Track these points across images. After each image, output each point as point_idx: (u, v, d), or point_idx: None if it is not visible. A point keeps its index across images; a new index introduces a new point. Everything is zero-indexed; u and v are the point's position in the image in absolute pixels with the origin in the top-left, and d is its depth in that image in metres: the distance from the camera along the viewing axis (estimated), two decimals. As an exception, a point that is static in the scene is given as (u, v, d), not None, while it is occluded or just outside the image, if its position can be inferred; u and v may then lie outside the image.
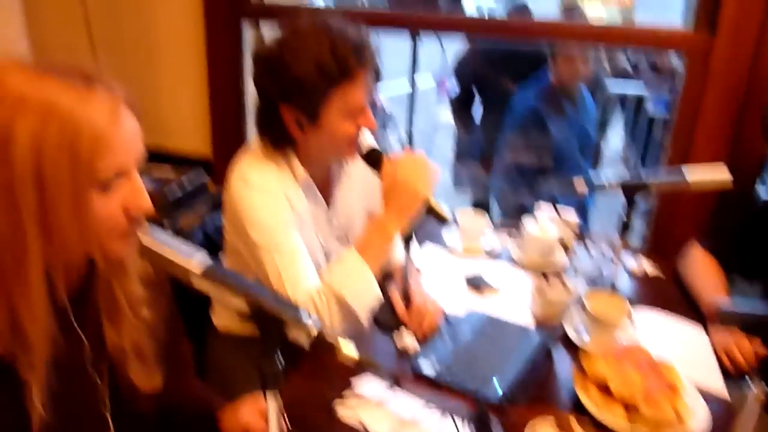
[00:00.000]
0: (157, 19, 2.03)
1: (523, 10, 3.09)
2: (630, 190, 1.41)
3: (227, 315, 1.45)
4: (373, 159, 1.28)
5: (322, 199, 1.37)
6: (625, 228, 1.44)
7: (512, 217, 2.76)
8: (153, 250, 0.72)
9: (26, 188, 0.70)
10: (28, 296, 0.74)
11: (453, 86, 3.58)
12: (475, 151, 3.32)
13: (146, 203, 0.78)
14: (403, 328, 1.34)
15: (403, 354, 1.29)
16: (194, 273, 0.71)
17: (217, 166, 2.10)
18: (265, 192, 1.24)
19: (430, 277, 1.57)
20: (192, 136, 2.13)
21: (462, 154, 3.53)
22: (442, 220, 1.26)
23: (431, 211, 1.25)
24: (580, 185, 1.46)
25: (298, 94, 1.20)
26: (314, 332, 0.72)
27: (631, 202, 1.41)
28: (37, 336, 0.75)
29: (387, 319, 1.38)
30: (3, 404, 0.78)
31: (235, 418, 1.03)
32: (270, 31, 2.04)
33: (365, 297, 1.19)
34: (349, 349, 0.74)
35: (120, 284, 0.89)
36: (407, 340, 1.30)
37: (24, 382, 0.77)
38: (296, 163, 1.30)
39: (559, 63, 2.56)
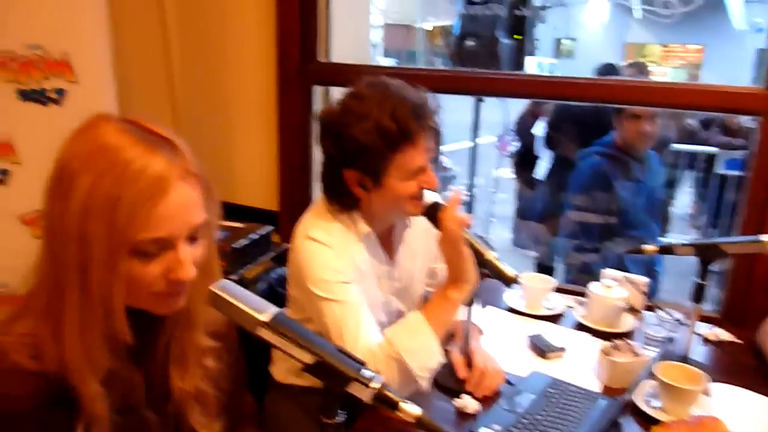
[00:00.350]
0: (233, 84, 2.17)
1: (611, 69, 3.09)
2: (702, 253, 1.35)
3: (287, 368, 1.46)
4: (434, 214, 1.29)
5: (384, 254, 1.39)
6: (698, 292, 1.38)
7: (577, 278, 2.69)
8: (223, 298, 0.74)
9: (72, 236, 0.77)
10: (71, 330, 0.79)
11: (513, 142, 3.60)
12: (537, 210, 3.28)
13: (185, 276, 0.81)
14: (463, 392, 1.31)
15: (462, 416, 1.25)
16: (262, 323, 0.73)
17: (282, 220, 2.17)
18: (328, 247, 1.27)
19: (492, 337, 1.53)
20: (261, 192, 2.22)
21: (524, 212, 3.50)
22: (508, 280, 1.24)
23: (497, 273, 1.24)
24: (649, 247, 1.41)
25: (360, 158, 1.23)
26: (376, 387, 0.72)
27: (704, 266, 1.36)
28: (83, 367, 0.80)
29: (447, 381, 1.35)
30: None
31: None
32: (338, 94, 2.14)
33: (426, 359, 1.18)
34: (410, 407, 0.73)
35: (186, 333, 0.93)
36: (467, 401, 1.27)
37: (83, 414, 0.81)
38: (359, 219, 1.33)
39: (624, 123, 2.53)
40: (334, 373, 0.72)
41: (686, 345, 1.43)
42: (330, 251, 1.26)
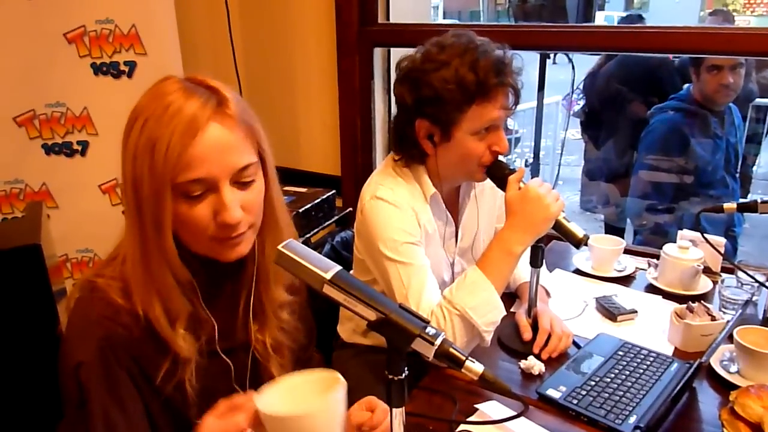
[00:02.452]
0: (295, 50, 2.18)
1: (638, 20, 2.92)
2: (789, 211, 1.27)
3: (353, 327, 1.50)
4: (498, 172, 1.26)
5: (450, 216, 1.38)
6: (783, 252, 1.30)
7: (649, 240, 2.58)
8: (289, 256, 0.76)
9: (127, 179, 0.83)
10: (138, 271, 0.85)
11: (579, 100, 3.46)
12: (607, 171, 3.16)
13: (229, 218, 0.83)
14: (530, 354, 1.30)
15: (528, 377, 1.24)
16: (326, 280, 0.74)
17: (345, 185, 2.19)
18: (394, 207, 1.27)
19: (560, 300, 1.50)
20: (323, 157, 2.24)
21: (592, 173, 3.37)
22: (577, 241, 1.21)
23: (565, 232, 1.21)
24: (729, 205, 1.34)
25: (433, 107, 1.22)
26: (440, 344, 0.72)
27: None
28: (158, 308, 0.85)
29: (513, 342, 1.34)
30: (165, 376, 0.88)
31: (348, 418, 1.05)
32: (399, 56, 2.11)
33: (488, 313, 1.18)
34: (474, 365, 0.73)
35: (264, 287, 0.97)
36: (533, 362, 1.26)
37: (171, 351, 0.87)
38: (426, 179, 1.32)
39: (703, 75, 2.37)
40: (398, 329, 0.73)
41: (767, 307, 1.36)
42: (397, 211, 1.26)
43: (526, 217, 1.20)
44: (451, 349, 0.73)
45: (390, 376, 0.76)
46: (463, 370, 0.73)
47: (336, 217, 2.05)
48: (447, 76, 1.19)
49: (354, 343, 1.49)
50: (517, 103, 1.26)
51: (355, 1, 2.00)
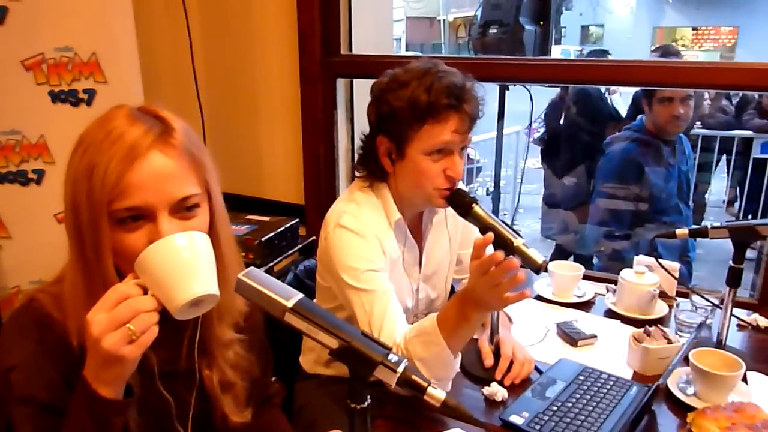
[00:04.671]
0: (257, 79, 2.18)
1: (602, 55, 3.05)
2: (737, 235, 1.32)
3: (315, 358, 1.48)
4: (458, 199, 1.28)
5: (413, 242, 1.39)
6: (733, 276, 1.35)
7: (608, 266, 2.64)
8: (250, 285, 0.75)
9: (67, 203, 0.82)
10: (74, 295, 0.83)
11: (539, 130, 3.56)
12: (566, 198, 3.24)
13: None
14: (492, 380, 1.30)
15: (491, 404, 1.25)
16: (288, 309, 0.73)
17: (308, 213, 2.18)
18: (357, 235, 1.27)
19: (521, 325, 1.52)
20: (287, 186, 2.23)
21: (552, 200, 3.46)
22: (537, 267, 1.21)
23: (525, 259, 1.22)
24: (681, 230, 1.38)
25: (390, 124, 1.26)
26: (402, 371, 0.72)
27: (739, 249, 1.32)
28: None
29: (475, 369, 1.35)
30: None
31: None
32: (361, 86, 2.14)
33: (437, 368, 1.14)
34: (436, 392, 0.73)
35: (209, 324, 0.95)
36: (496, 389, 1.26)
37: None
38: (390, 203, 1.33)
39: (655, 106, 2.47)
40: (360, 357, 0.73)
41: (722, 331, 1.40)
42: (360, 240, 1.27)
43: (483, 298, 1.12)
44: (414, 376, 0.73)
45: (352, 405, 0.76)
46: (425, 397, 0.73)
47: (299, 246, 2.04)
48: (403, 95, 1.23)
49: (316, 374, 1.47)
50: (471, 128, 1.28)
51: (317, 32, 2.02)
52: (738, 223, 1.33)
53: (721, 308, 1.41)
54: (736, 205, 5.20)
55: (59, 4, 1.77)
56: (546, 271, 1.25)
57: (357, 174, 1.39)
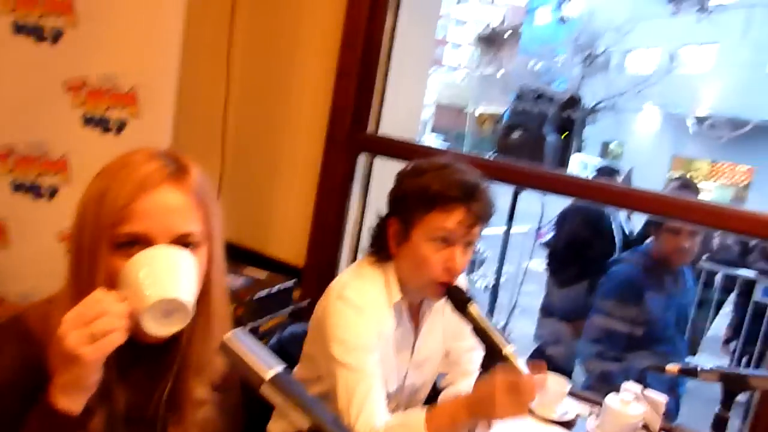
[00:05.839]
0: (284, 138, 2.25)
1: (611, 173, 3.11)
2: (728, 382, 1.30)
3: (285, 425, 1.43)
4: (456, 295, 1.28)
5: (410, 325, 1.39)
6: (719, 423, 1.31)
7: (595, 385, 2.59)
8: (231, 350, 0.75)
9: (74, 225, 0.84)
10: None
11: (548, 234, 3.57)
12: (564, 310, 3.22)
13: None
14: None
15: None
16: (264, 381, 0.72)
17: (306, 277, 2.18)
18: (357, 309, 1.27)
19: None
20: (290, 245, 2.24)
21: (549, 309, 3.43)
22: None
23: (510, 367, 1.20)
24: (672, 367, 1.36)
25: (401, 206, 1.30)
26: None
27: (728, 395, 1.30)
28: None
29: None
30: None
31: None
32: (381, 163, 2.19)
33: None
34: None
35: (185, 379, 0.93)
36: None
37: None
38: (394, 284, 1.34)
39: (662, 235, 2.49)
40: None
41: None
42: (359, 316, 1.27)
43: (482, 409, 1.12)
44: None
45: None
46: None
47: (290, 309, 2.03)
48: (418, 182, 1.28)
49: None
50: (476, 225, 1.28)
51: (350, 108, 2.10)
52: (730, 370, 1.32)
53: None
54: (733, 344, 5.13)
55: (113, 33, 1.83)
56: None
57: (369, 250, 1.40)
